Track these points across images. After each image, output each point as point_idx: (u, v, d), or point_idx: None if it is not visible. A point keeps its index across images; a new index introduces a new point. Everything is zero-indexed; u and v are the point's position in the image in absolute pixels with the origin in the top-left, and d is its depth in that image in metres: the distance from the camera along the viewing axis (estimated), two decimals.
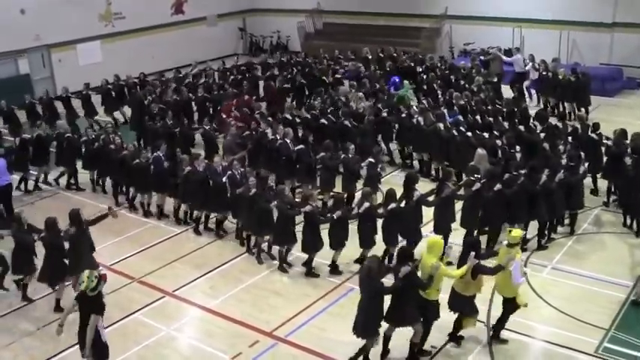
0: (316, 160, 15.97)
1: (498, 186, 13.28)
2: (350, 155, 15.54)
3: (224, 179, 14.51)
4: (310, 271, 13.27)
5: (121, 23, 29.62)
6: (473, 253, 10.09)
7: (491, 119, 17.53)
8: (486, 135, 16.52)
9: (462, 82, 21.81)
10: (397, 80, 21.72)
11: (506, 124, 17.39)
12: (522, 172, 13.83)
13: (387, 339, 10.45)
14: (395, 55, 25.78)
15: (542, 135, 16.31)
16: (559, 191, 13.74)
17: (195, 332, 11.83)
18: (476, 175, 13.55)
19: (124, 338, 11.48)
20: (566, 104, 21.79)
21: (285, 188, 14.07)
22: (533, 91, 23.36)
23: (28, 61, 26.89)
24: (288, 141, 16.41)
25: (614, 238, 14.33)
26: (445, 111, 18.60)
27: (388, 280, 10.17)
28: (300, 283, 13.06)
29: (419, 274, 10.03)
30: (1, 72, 25.76)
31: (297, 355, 10.96)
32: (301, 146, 16.28)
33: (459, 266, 10.37)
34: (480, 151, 15.39)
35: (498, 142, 15.96)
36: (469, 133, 16.59)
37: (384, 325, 10.22)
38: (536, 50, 25.20)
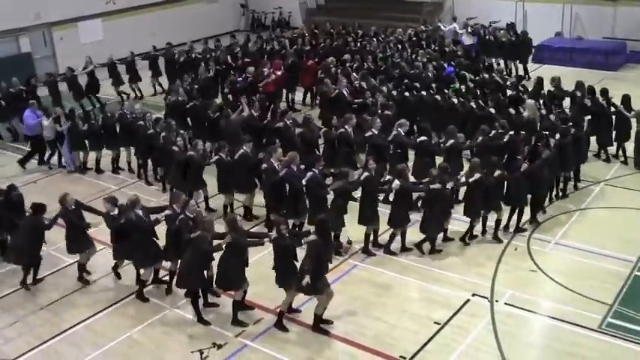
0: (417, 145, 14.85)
1: (558, 136, 14.07)
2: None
3: (304, 182, 12.97)
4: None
5: (122, 0, 29.40)
6: None
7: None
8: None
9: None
10: (452, 70, 20.98)
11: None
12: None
13: None
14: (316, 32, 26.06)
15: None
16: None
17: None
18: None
19: (128, 317, 11.53)
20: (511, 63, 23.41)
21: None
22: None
23: (29, 39, 26.75)
24: (403, 133, 14.97)
25: (618, 213, 14.30)
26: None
27: None
28: None
29: None
30: (2, 51, 25.61)
31: (300, 332, 10.99)
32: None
33: None
34: (529, 101, 16.51)
35: (439, 97, 17.21)
36: (406, 93, 17.81)
37: None
38: (539, 24, 25.06)
